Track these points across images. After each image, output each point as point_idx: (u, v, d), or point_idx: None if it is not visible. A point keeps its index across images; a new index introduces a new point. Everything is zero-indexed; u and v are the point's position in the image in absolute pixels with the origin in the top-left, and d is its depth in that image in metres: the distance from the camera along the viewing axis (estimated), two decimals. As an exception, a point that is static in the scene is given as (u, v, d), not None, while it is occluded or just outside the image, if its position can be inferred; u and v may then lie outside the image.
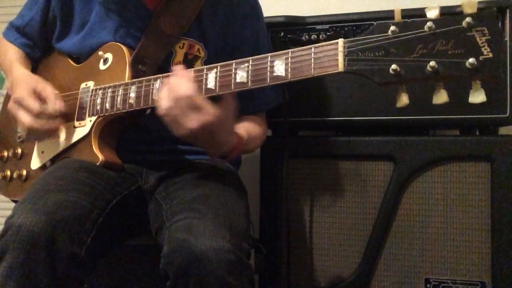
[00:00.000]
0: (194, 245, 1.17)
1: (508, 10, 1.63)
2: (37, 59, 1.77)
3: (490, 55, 0.91)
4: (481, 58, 0.92)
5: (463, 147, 1.66)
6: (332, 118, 1.78)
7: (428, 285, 1.67)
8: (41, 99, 1.50)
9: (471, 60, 0.92)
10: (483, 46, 0.91)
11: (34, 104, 1.47)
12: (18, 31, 1.73)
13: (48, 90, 1.51)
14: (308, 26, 1.80)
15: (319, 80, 1.78)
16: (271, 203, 1.79)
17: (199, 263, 1.15)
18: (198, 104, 1.23)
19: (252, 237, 1.61)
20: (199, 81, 1.31)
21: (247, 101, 1.58)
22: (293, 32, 1.80)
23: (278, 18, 1.81)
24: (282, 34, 1.81)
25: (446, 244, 1.66)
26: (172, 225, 1.27)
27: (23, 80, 1.56)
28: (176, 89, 1.25)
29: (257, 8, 1.66)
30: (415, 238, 1.69)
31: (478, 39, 0.92)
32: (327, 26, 1.77)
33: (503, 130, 1.76)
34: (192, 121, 1.24)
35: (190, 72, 1.33)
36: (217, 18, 1.59)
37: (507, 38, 1.64)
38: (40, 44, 1.74)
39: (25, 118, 1.47)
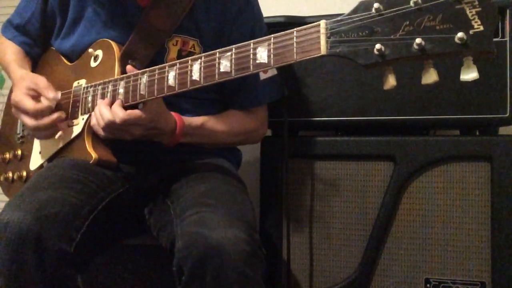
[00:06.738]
0: (209, 237, 1.12)
1: (508, 10, 1.55)
2: (37, 57, 1.72)
3: (481, 28, 0.80)
4: (471, 32, 0.81)
5: (463, 147, 1.58)
6: (332, 118, 1.70)
7: (428, 285, 1.59)
8: (36, 96, 1.46)
9: (460, 34, 0.81)
10: (473, 19, 0.80)
11: (29, 105, 1.44)
12: (17, 29, 1.69)
13: (40, 85, 1.47)
14: (308, 26, 1.71)
15: (319, 80, 1.70)
16: (271, 203, 1.72)
17: (216, 255, 1.10)
18: (122, 123, 1.29)
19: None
20: (184, 73, 1.23)
21: (239, 96, 1.53)
22: (293, 32, 1.72)
23: (278, 18, 1.73)
24: (282, 34, 1.73)
25: (446, 244, 1.58)
26: (184, 220, 1.22)
27: (19, 81, 1.52)
28: (100, 119, 1.33)
29: (252, 2, 1.57)
30: (415, 238, 1.61)
31: (467, 12, 0.80)
32: (327, 26, 1.68)
33: (503, 130, 1.69)
34: (127, 135, 1.33)
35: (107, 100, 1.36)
36: (211, 13, 1.51)
37: (507, 38, 1.56)
38: (39, 42, 1.69)
39: (26, 120, 1.45)
